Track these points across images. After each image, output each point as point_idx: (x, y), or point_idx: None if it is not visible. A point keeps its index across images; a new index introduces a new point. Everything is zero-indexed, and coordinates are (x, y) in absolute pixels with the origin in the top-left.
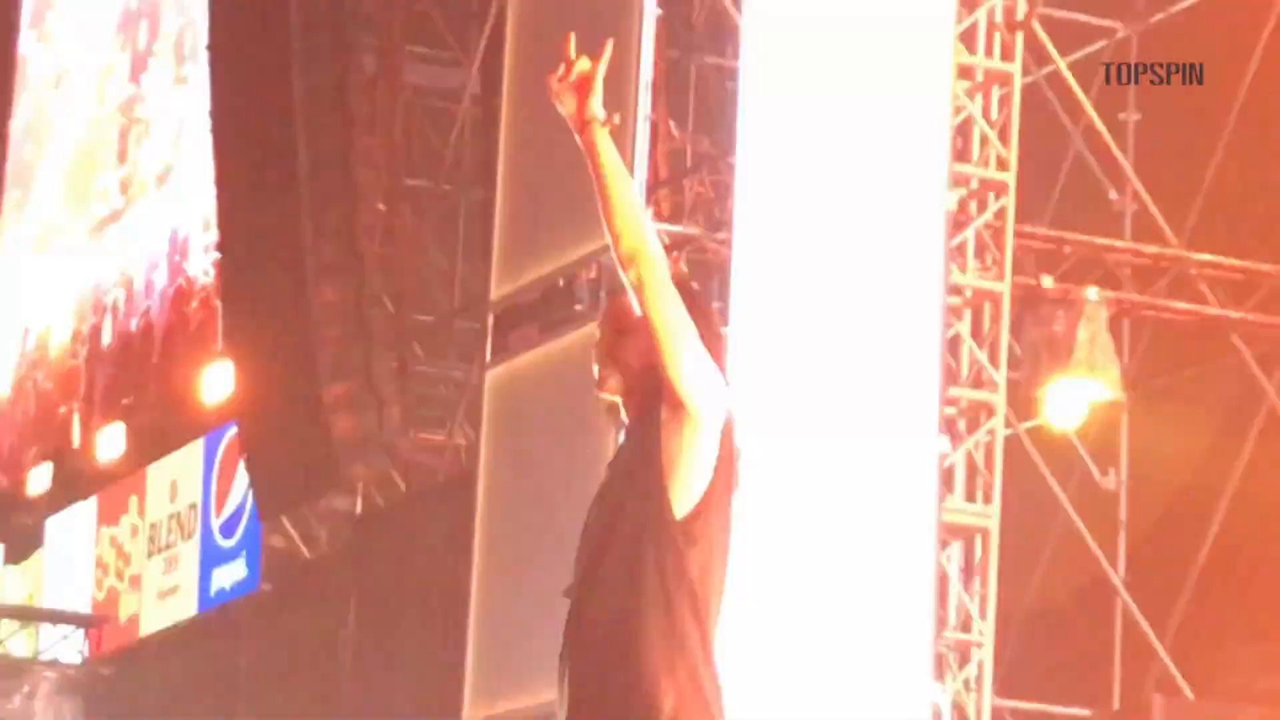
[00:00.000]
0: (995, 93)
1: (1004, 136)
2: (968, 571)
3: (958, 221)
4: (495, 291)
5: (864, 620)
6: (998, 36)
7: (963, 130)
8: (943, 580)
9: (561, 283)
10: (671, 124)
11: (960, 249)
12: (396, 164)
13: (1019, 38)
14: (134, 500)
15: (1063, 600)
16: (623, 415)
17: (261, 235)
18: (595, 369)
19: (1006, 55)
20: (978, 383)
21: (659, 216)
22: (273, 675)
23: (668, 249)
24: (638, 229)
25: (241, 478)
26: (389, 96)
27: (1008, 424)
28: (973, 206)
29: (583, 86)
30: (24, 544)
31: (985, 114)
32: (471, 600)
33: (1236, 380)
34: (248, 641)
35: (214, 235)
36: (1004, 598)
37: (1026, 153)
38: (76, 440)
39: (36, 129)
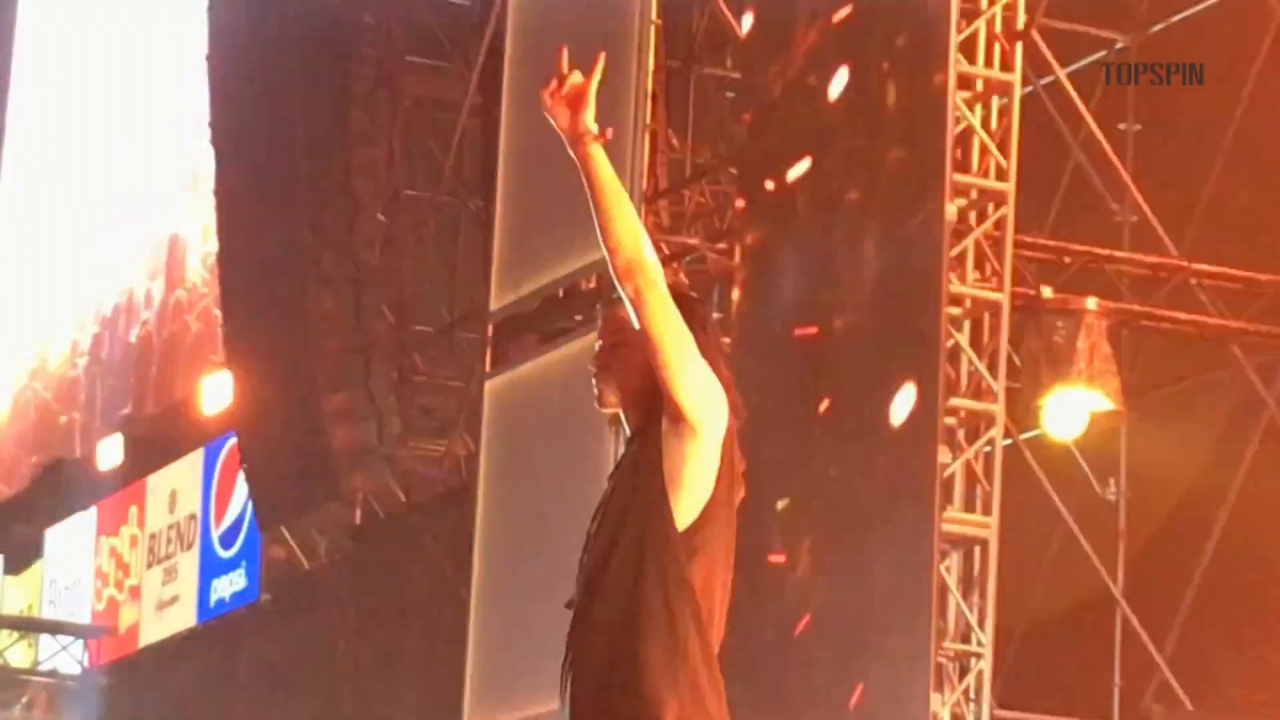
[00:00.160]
0: (995, 103)
1: (1004, 146)
2: (967, 582)
3: (957, 231)
4: (495, 302)
5: (864, 630)
6: (997, 46)
7: (962, 140)
8: (942, 591)
9: (561, 293)
10: (671, 134)
11: (960, 259)
12: (396, 174)
13: (1019, 48)
14: (133, 511)
15: (1062, 611)
16: (625, 425)
17: (261, 246)
18: (594, 383)
19: (1006, 65)
20: (977, 393)
21: (659, 227)
22: (272, 685)
23: (667, 259)
24: (634, 242)
25: (241, 488)
26: (388, 107)
27: (1007, 434)
28: (972, 216)
29: (576, 100)
30: (23, 554)
31: (985, 124)
32: (471, 610)
33: (1236, 390)
34: (247, 652)
35: (213, 246)
36: (1003, 608)
37: (1026, 163)
38: (76, 450)
39: (36, 138)
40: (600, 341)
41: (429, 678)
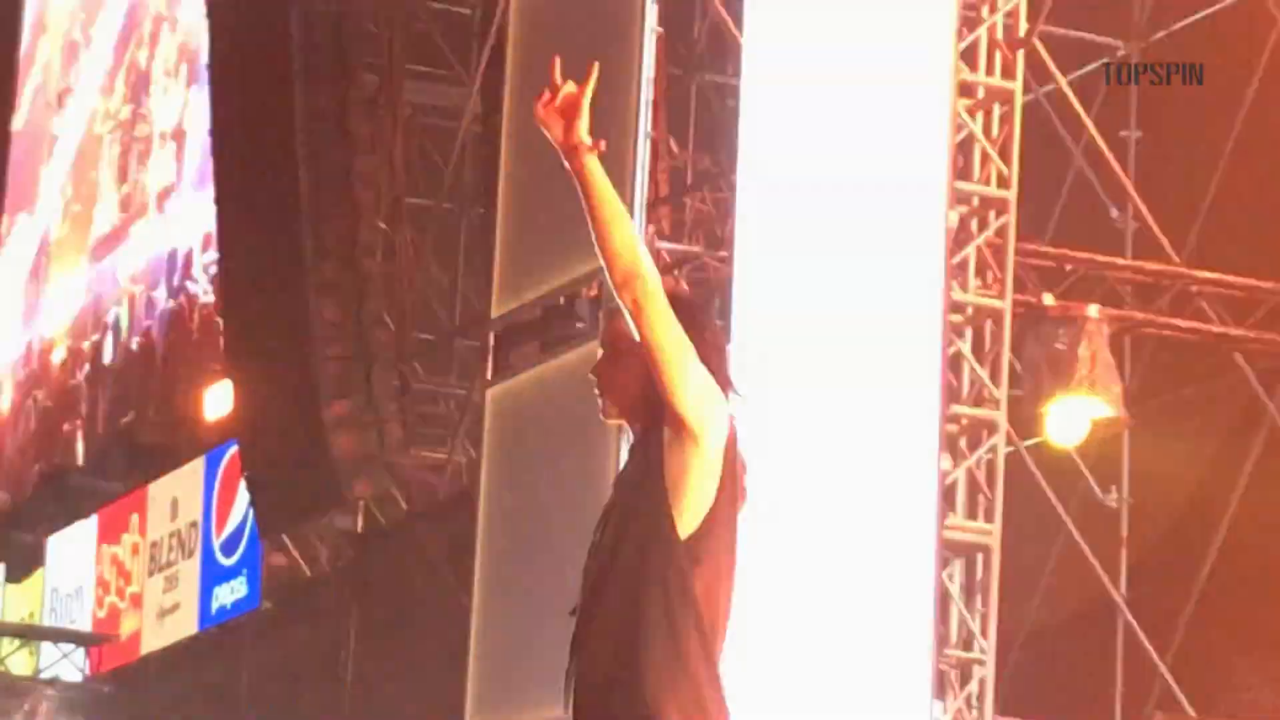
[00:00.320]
0: (996, 110)
1: (1005, 154)
2: (969, 589)
3: (959, 239)
4: (496, 309)
5: (865, 638)
6: (998, 54)
7: (964, 148)
8: (944, 598)
9: (562, 301)
10: (672, 141)
11: (961, 266)
12: (397, 182)
13: (1020, 55)
14: (135, 518)
15: (1064, 618)
16: (628, 432)
17: (262, 254)
18: (596, 392)
19: (1007, 73)
20: (979, 400)
21: (660, 234)
22: (274, 694)
23: (668, 267)
24: (631, 253)
25: (242, 496)
26: (389, 115)
27: (1009, 442)
28: (974, 224)
29: (570, 111)
30: (25, 562)
31: (986, 131)
32: (473, 618)
33: (1238, 398)
34: (249, 660)
35: (215, 253)
36: (1005, 616)
37: (1028, 170)
38: (78, 458)
39: (38, 147)
40: (601, 351)
41: (431, 685)
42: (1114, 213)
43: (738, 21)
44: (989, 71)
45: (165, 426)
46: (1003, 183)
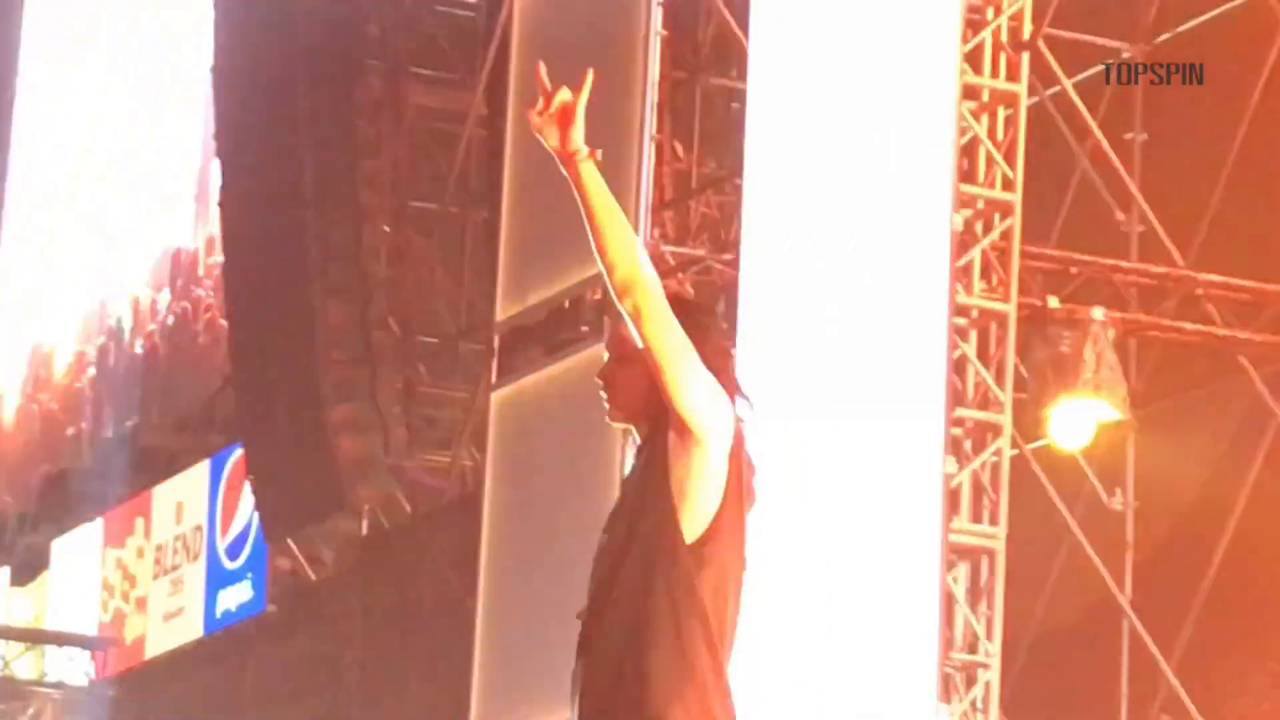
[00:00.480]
0: (1001, 113)
1: (1010, 157)
2: (974, 592)
3: (963, 242)
4: (500, 313)
5: (870, 641)
6: (1003, 57)
7: (968, 151)
8: (949, 601)
9: (566, 304)
10: (677, 145)
11: (966, 270)
12: (402, 186)
13: (1025, 58)
14: (140, 522)
15: (1069, 621)
16: (635, 435)
17: (266, 257)
18: (603, 396)
19: (1012, 76)
20: (984, 403)
21: (665, 237)
22: (279, 697)
23: (673, 270)
24: (631, 258)
25: (247, 499)
26: (394, 119)
27: (1014, 445)
28: (978, 227)
29: (565, 118)
30: (30, 566)
31: (991, 134)
32: (477, 621)
33: (1244, 400)
34: (253, 663)
35: (219, 257)
36: (1010, 619)
37: (1032, 173)
38: (83, 462)
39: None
40: (607, 355)
41: (435, 688)
42: (1119, 215)
43: (743, 25)
44: (993, 74)
45: (170, 429)
46: (1007, 186)
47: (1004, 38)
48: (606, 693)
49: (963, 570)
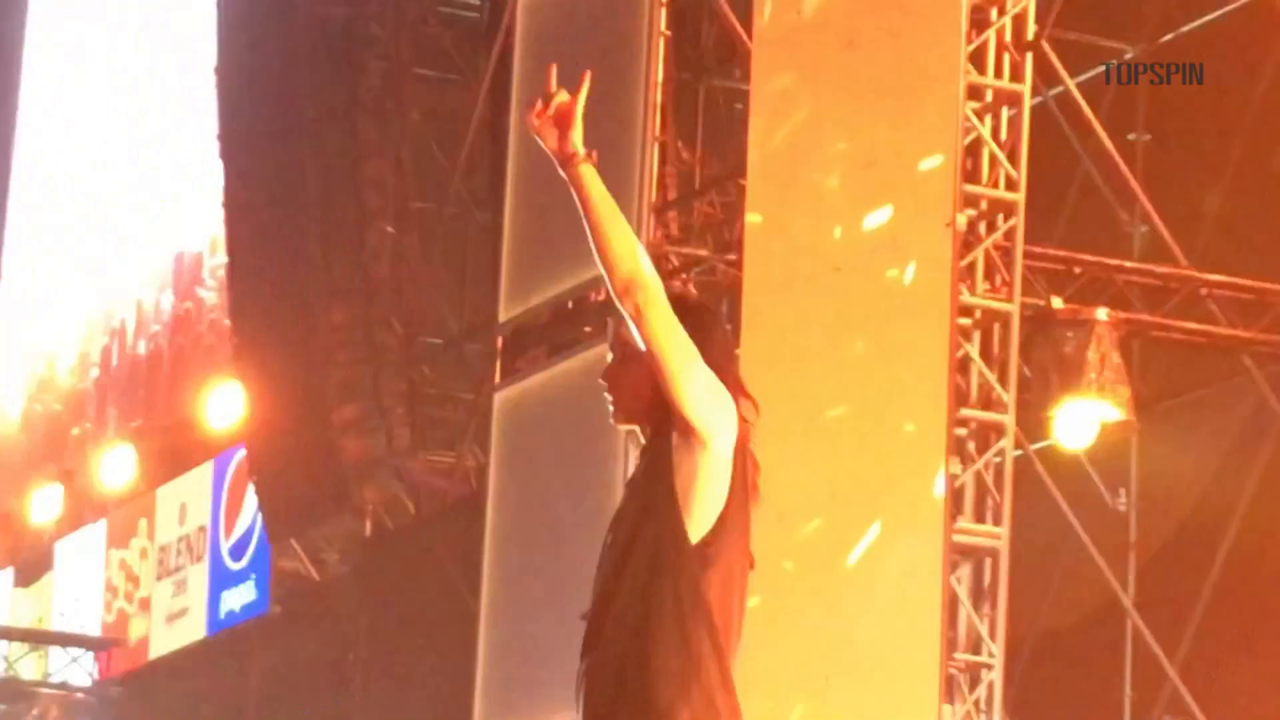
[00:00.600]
0: (1005, 113)
1: (1013, 157)
2: (978, 593)
3: (967, 242)
4: (504, 313)
5: (873, 641)
6: (1007, 57)
7: (972, 150)
8: (953, 602)
9: (570, 304)
10: (680, 145)
11: (969, 269)
12: (404, 186)
13: (1029, 58)
14: (143, 523)
15: (1073, 622)
16: (640, 436)
17: (270, 258)
18: (607, 397)
19: (1016, 76)
20: (987, 404)
21: (668, 238)
22: (282, 698)
23: (677, 270)
24: (631, 259)
25: (250, 500)
26: (397, 119)
27: (1018, 445)
28: (982, 227)
29: (563, 120)
30: (34, 567)
31: (995, 134)
32: (481, 622)
33: (1247, 401)
34: (257, 664)
35: (222, 258)
36: (1014, 619)
37: (1036, 173)
38: (86, 463)
39: (46, 149)
40: (611, 355)
41: (439, 689)
42: (1122, 216)
43: (745, 26)
44: (997, 74)
45: (173, 431)
46: (1011, 186)
47: (1008, 38)
48: (611, 693)
49: (966, 571)
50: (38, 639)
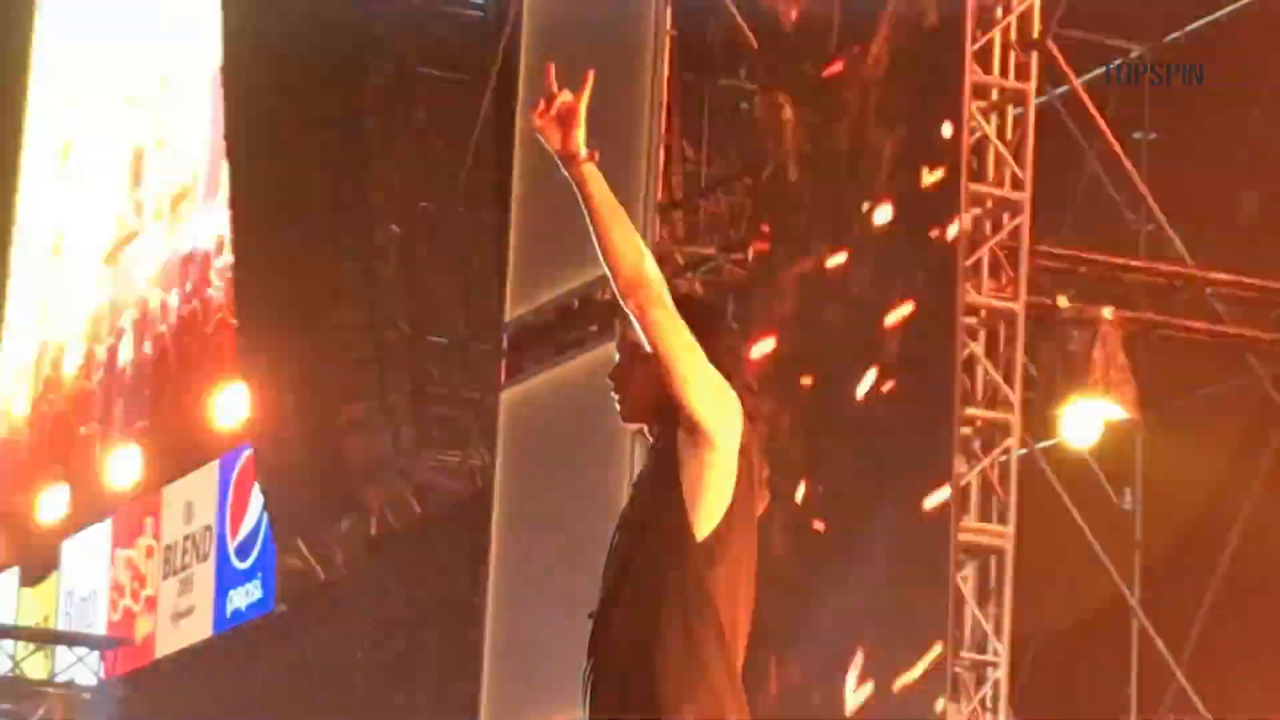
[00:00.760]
0: (1010, 112)
1: (1019, 156)
2: (983, 592)
3: (973, 241)
4: (510, 313)
5: (879, 639)
6: (1013, 56)
7: (978, 149)
8: (959, 600)
9: (576, 304)
10: (686, 145)
11: (975, 268)
12: (411, 186)
13: (1034, 57)
14: (149, 522)
15: (1079, 620)
16: (647, 435)
17: (276, 258)
18: (614, 396)
19: (1021, 75)
20: (993, 402)
21: (674, 237)
22: (288, 696)
23: (682, 269)
24: (634, 259)
25: (256, 500)
26: (403, 119)
27: (1023, 444)
28: (988, 226)
29: (567, 120)
30: (40, 566)
31: (1000, 133)
32: (487, 620)
33: (1252, 399)
34: (263, 663)
35: (229, 258)
36: (1020, 618)
37: (1041, 172)
38: (92, 463)
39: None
40: (618, 355)
41: (445, 688)
42: (1128, 215)
43: (752, 25)
44: (1003, 73)
45: (179, 430)
46: (1017, 184)
47: (1013, 36)
48: (617, 692)
49: (972, 569)
50: (44, 638)
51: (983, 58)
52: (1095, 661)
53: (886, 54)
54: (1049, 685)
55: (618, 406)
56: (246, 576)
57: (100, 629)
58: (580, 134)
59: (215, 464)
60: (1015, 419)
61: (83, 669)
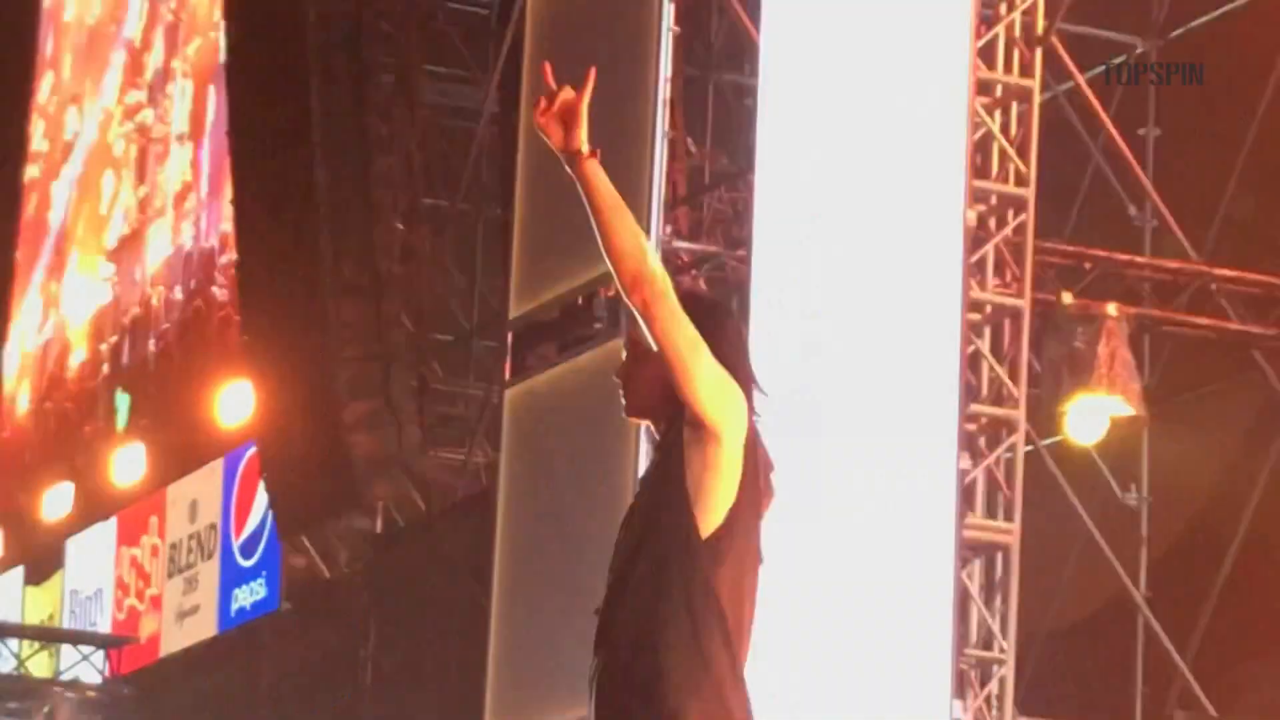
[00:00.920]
0: (1014, 108)
1: (1023, 152)
2: (989, 588)
3: (977, 237)
4: (514, 310)
5: (885, 637)
6: (1017, 52)
7: (982, 146)
8: (964, 597)
9: (580, 301)
10: (690, 141)
11: (980, 265)
12: (415, 183)
13: (1038, 53)
14: (154, 520)
15: (1084, 617)
16: (654, 432)
17: (280, 255)
18: (621, 393)
19: (1026, 71)
20: (998, 399)
21: (678, 234)
22: (293, 695)
23: (687, 266)
24: (637, 255)
25: (261, 497)
26: (407, 115)
27: (1028, 440)
28: (992, 222)
29: (569, 117)
30: (45, 564)
31: (1004, 130)
32: (491, 618)
33: (1258, 396)
34: (268, 661)
35: (232, 255)
36: (1025, 614)
37: (1046, 168)
38: (97, 461)
39: (58, 146)
40: (625, 351)
41: (450, 686)
42: (1132, 211)
43: (755, 21)
44: (1007, 69)
45: (184, 428)
46: (1021, 181)
47: (1017, 33)
48: (622, 689)
49: (977, 566)
50: (49, 636)
51: (987, 54)
52: (1101, 658)
53: None
54: (1055, 682)
55: (623, 403)
56: (251, 575)
57: (105, 627)
58: (582, 131)
59: (220, 462)
60: (1020, 415)
61: (87, 667)
